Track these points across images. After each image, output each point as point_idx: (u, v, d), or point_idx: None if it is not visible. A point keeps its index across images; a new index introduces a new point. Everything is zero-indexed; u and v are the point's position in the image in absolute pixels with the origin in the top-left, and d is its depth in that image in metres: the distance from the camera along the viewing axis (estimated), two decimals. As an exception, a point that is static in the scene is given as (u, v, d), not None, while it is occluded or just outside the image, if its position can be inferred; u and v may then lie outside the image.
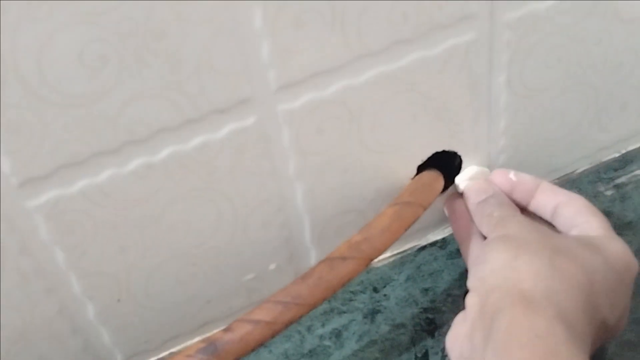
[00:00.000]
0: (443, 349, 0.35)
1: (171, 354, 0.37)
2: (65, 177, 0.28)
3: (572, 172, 0.42)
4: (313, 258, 0.38)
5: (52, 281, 0.31)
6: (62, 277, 0.31)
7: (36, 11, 0.24)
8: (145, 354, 0.37)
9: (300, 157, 0.33)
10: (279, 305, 0.30)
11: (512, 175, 0.35)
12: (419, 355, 0.35)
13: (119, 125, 0.28)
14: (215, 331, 0.36)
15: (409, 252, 0.40)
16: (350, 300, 0.38)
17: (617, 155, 0.42)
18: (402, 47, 0.31)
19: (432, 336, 0.36)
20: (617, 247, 0.31)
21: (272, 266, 0.37)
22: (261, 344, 0.30)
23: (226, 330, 0.30)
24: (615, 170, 0.42)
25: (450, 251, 0.39)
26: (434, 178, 0.36)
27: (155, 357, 0.37)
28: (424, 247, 0.40)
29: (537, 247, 0.29)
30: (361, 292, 0.38)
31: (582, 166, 0.42)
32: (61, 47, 0.25)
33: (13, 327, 0.32)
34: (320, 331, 0.37)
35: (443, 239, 0.40)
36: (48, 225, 0.29)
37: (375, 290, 0.38)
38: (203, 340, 0.29)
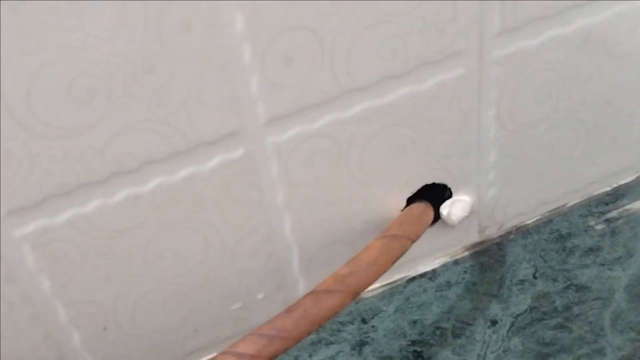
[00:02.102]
0: (429, 383, 0.35)
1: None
2: (52, 207, 0.29)
3: (563, 205, 0.42)
4: (301, 288, 0.38)
5: (38, 309, 0.31)
6: (47, 306, 0.31)
7: (25, 45, 0.25)
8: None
9: (289, 188, 0.33)
10: (263, 338, 0.30)
11: None
12: (405, 389, 0.35)
13: (107, 157, 0.28)
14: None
15: (398, 283, 0.40)
16: (339, 331, 0.38)
17: (608, 189, 0.42)
18: (391, 83, 0.32)
19: (419, 370, 0.36)
20: None
21: (260, 296, 0.37)
22: (244, 378, 0.30)
23: (209, 362, 0.29)
24: (607, 204, 0.42)
25: (440, 283, 0.39)
26: (424, 210, 0.36)
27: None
28: (413, 279, 0.40)
29: None
30: (349, 322, 0.38)
31: (573, 200, 0.42)
32: (50, 81, 0.26)
33: (-2, 354, 0.32)
34: (307, 362, 0.37)
35: (433, 270, 0.40)
36: (34, 255, 0.29)
37: (364, 321, 0.38)
38: (186, 373, 0.29)
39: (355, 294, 0.31)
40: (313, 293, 0.31)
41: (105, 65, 0.26)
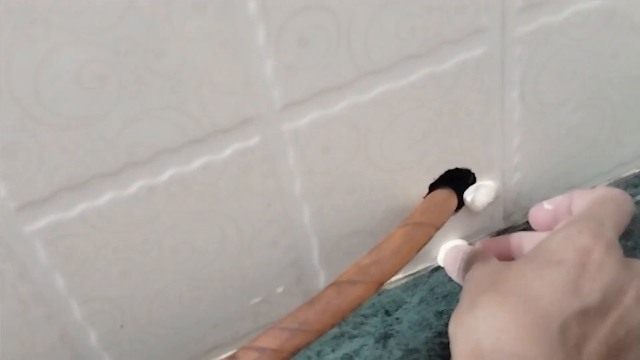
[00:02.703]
0: (458, 375, 0.34)
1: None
2: (64, 200, 0.28)
3: (591, 189, 0.40)
4: (322, 280, 0.36)
5: (53, 307, 0.31)
6: (62, 303, 0.31)
7: (32, 31, 0.24)
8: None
9: (307, 177, 0.32)
10: (285, 332, 0.29)
11: (546, 205, 0.34)
12: (433, 382, 0.34)
13: (119, 147, 0.27)
14: (221, 357, 0.35)
15: (422, 273, 0.39)
16: (362, 324, 0.37)
17: (636, 171, 0.41)
18: (411, 63, 0.30)
19: (447, 362, 0.34)
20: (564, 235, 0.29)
21: (280, 289, 0.36)
22: (266, 373, 0.29)
23: (231, 357, 0.28)
24: (635, 186, 0.40)
25: (465, 272, 0.38)
26: (447, 196, 0.35)
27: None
28: (437, 268, 0.39)
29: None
30: (373, 315, 0.37)
31: (601, 182, 0.41)
32: (58, 68, 0.25)
33: (14, 355, 0.31)
34: (330, 356, 0.36)
35: (457, 259, 0.39)
36: (47, 251, 0.29)
37: (388, 313, 0.37)
38: (206, 369, 0.28)
39: (379, 284, 0.30)
40: (335, 284, 0.30)
41: (114, 50, 0.25)
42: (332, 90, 0.30)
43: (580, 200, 0.33)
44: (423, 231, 0.32)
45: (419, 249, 0.32)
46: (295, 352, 0.29)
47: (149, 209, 0.29)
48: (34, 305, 0.30)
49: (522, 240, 0.35)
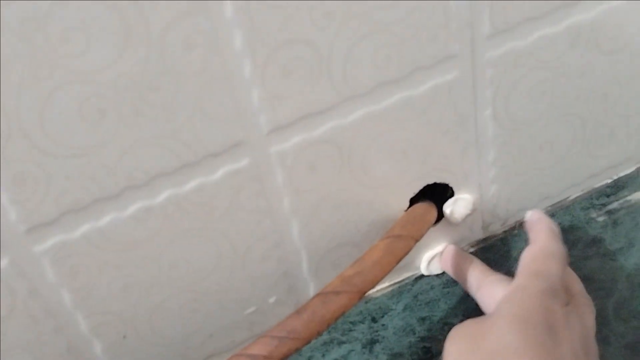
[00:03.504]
0: (439, 378, 0.36)
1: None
2: (68, 222, 0.30)
3: (565, 199, 0.43)
4: (312, 289, 0.39)
5: (60, 321, 0.33)
6: (69, 317, 0.33)
7: (37, 71, 0.26)
8: (152, 387, 0.38)
9: (295, 195, 0.34)
10: (274, 340, 0.31)
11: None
12: (416, 384, 0.36)
13: (118, 173, 0.30)
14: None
15: (406, 281, 0.41)
16: (350, 330, 0.39)
17: (608, 181, 0.43)
18: (388, 88, 0.33)
19: (429, 365, 0.37)
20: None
21: (272, 299, 0.38)
22: (258, 378, 0.31)
23: (225, 365, 0.31)
24: (608, 196, 0.43)
25: (447, 280, 0.40)
26: (426, 210, 0.37)
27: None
28: (420, 277, 0.41)
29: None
30: (360, 322, 0.39)
31: (574, 193, 0.43)
32: (61, 103, 0.27)
33: (24, 366, 0.34)
34: (320, 362, 0.38)
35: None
36: (54, 269, 0.31)
37: (374, 320, 0.39)
38: (203, 376, 0.31)
39: (362, 293, 0.33)
40: (321, 294, 0.32)
41: (113, 87, 0.27)
42: (315, 114, 0.32)
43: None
44: (403, 243, 0.34)
45: (400, 260, 0.34)
46: (284, 358, 0.31)
47: (146, 228, 0.32)
48: (43, 319, 0.32)
49: (480, 280, 0.35)
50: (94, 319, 0.34)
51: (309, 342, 0.32)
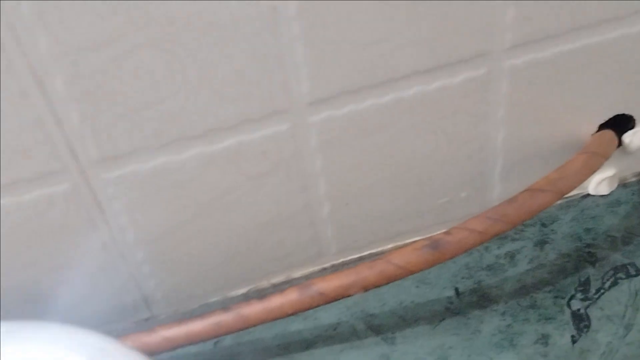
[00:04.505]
0: (602, 277, 0.42)
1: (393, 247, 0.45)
2: (340, 102, 0.37)
3: None
4: (496, 193, 0.45)
5: (307, 182, 0.40)
6: (315, 180, 0.40)
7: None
8: (356, 250, 0.46)
9: (510, 106, 0.40)
10: (489, 220, 0.38)
11: None
12: (582, 280, 0.43)
13: (384, 66, 0.36)
14: (405, 242, 0.45)
15: (574, 198, 0.47)
16: (522, 231, 0.46)
17: None
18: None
19: (594, 266, 0.43)
20: None
21: (464, 194, 0.45)
22: (471, 249, 0.38)
23: (446, 233, 0.38)
24: None
25: (611, 201, 0.46)
26: (612, 136, 0.43)
27: (367, 252, 0.46)
28: (587, 195, 0.47)
29: None
30: (531, 225, 0.46)
31: None
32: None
33: (268, 216, 0.41)
34: (496, 252, 0.45)
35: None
36: (318, 137, 0.38)
37: (544, 225, 0.46)
38: (426, 239, 0.38)
39: (562, 195, 0.39)
40: (529, 190, 0.39)
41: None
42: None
43: None
44: (597, 159, 0.40)
45: (594, 173, 0.40)
46: (493, 236, 0.38)
47: (392, 115, 0.38)
48: (295, 179, 0.40)
49: None
50: (331, 188, 0.41)
51: (514, 227, 0.38)
